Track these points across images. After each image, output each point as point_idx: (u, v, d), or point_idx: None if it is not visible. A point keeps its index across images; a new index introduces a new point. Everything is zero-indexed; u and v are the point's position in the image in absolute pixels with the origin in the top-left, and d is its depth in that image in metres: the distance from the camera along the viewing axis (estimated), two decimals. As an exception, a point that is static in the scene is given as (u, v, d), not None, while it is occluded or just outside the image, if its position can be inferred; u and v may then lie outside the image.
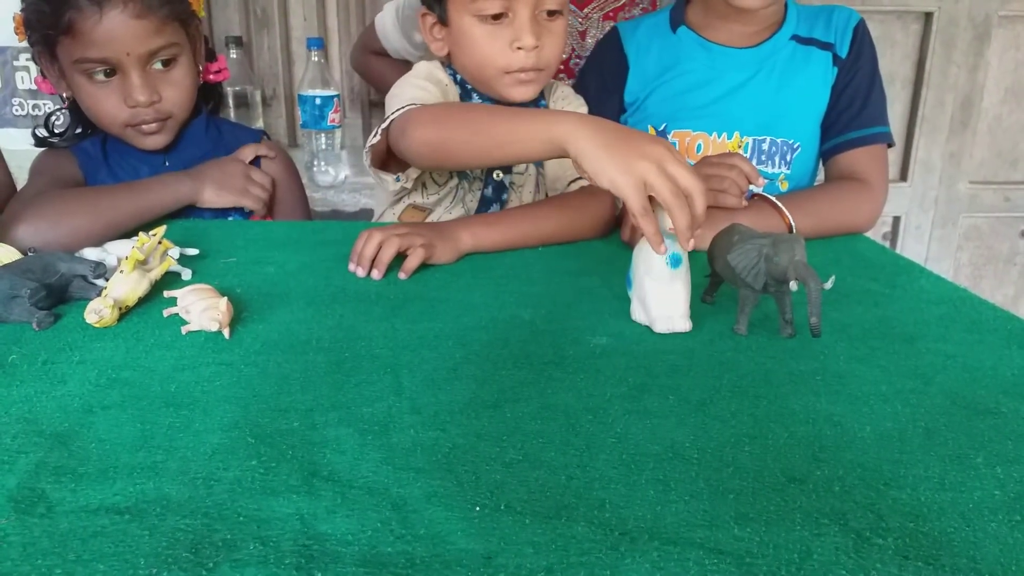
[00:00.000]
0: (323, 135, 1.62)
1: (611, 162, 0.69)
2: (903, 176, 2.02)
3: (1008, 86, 1.98)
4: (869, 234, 1.09)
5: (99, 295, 0.72)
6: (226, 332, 0.69)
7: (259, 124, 1.74)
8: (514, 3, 0.95)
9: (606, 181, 0.69)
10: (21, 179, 1.07)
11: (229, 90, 1.63)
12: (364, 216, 1.62)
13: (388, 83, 1.07)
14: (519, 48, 0.96)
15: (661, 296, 0.71)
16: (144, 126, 1.06)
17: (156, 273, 0.78)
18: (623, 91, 1.20)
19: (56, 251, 0.81)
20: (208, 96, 1.19)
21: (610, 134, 0.71)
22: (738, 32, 1.15)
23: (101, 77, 1.02)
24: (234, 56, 1.66)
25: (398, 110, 0.93)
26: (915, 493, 0.47)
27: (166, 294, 0.75)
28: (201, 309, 0.69)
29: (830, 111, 1.15)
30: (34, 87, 1.73)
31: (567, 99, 1.12)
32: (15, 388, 0.59)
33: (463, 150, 0.86)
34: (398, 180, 1.01)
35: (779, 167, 1.17)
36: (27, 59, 1.69)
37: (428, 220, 1.09)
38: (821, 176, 1.21)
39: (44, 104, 1.75)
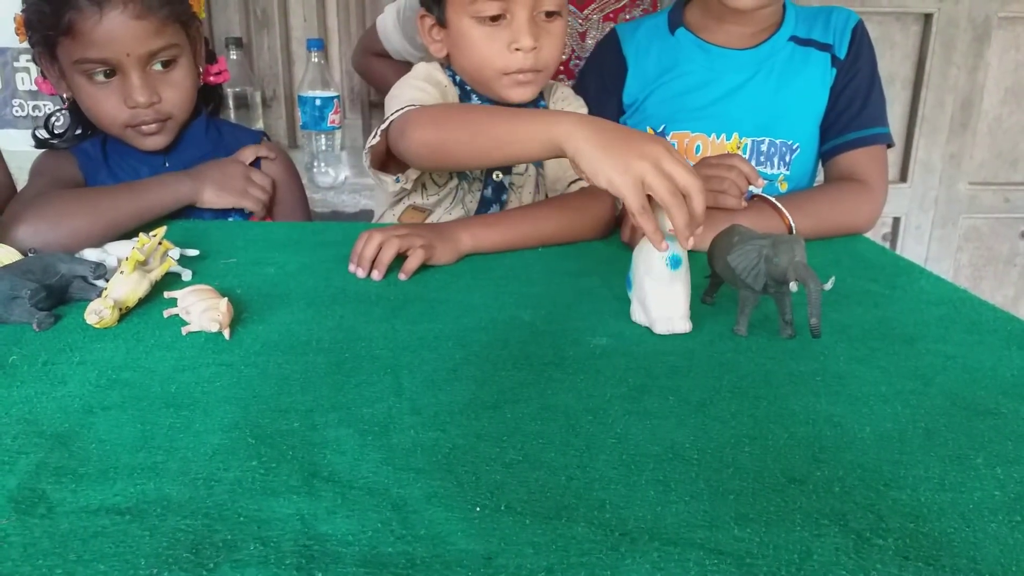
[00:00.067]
0: (323, 136, 1.62)
1: (608, 162, 0.69)
2: (903, 177, 2.02)
3: (1008, 87, 1.98)
4: (869, 235, 1.09)
5: (99, 296, 0.72)
6: (226, 333, 0.69)
7: (259, 125, 1.74)
8: (512, 4, 0.95)
9: (603, 181, 0.69)
10: (21, 180, 1.07)
11: (229, 91, 1.63)
12: (364, 217, 1.62)
13: (390, 84, 1.07)
14: (517, 49, 0.96)
15: (661, 297, 0.71)
16: (144, 127, 1.06)
17: (156, 274, 0.78)
18: (622, 92, 1.20)
19: (56, 252, 0.82)
20: (208, 98, 1.19)
21: (607, 134, 0.71)
22: (736, 33, 1.15)
23: (101, 78, 1.02)
24: (234, 57, 1.66)
25: (397, 111, 0.93)
26: (915, 494, 0.47)
27: (166, 295, 0.75)
28: (201, 310, 0.69)
29: (829, 112, 1.15)
30: (34, 88, 1.74)
31: (567, 100, 1.12)
32: (15, 389, 0.59)
33: (462, 151, 0.86)
34: (397, 181, 1.01)
35: (778, 168, 1.17)
36: (27, 60, 1.69)
37: (428, 221, 1.09)
38: (820, 177, 1.21)
39: (44, 105, 1.75)
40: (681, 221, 0.66)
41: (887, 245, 2.03)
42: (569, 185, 1.09)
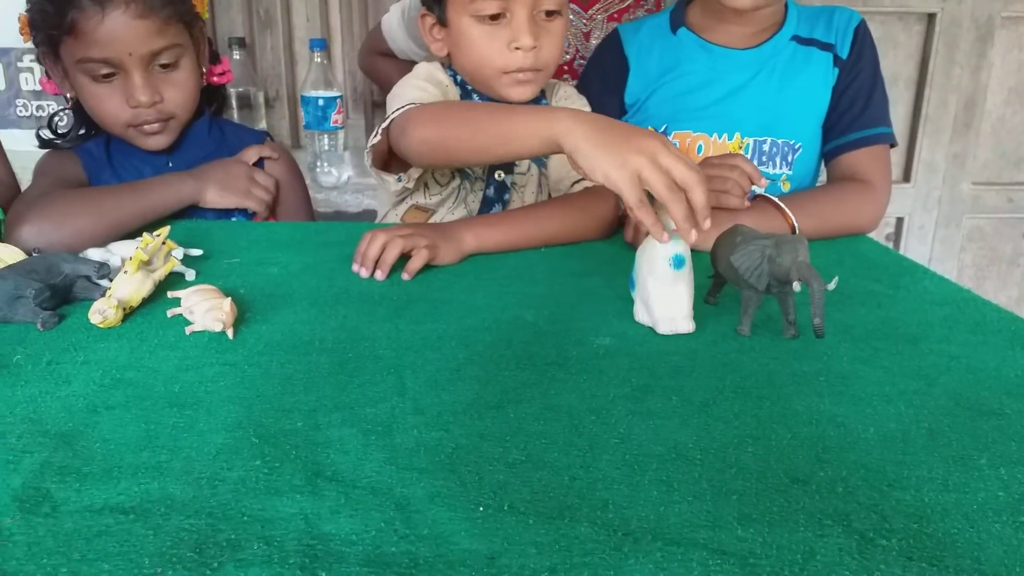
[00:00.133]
0: (326, 136, 1.62)
1: (604, 157, 0.69)
2: (906, 177, 2.02)
3: (1011, 87, 1.98)
4: (872, 235, 1.09)
5: (103, 296, 0.73)
6: (230, 333, 0.69)
7: (262, 125, 1.74)
8: (512, 3, 0.95)
9: (600, 176, 0.69)
10: (25, 180, 1.07)
11: (232, 91, 1.64)
12: (367, 217, 1.62)
13: (394, 84, 1.07)
14: (517, 48, 0.96)
15: (664, 297, 0.71)
16: (146, 126, 1.06)
17: (160, 274, 0.78)
18: (624, 92, 1.20)
19: (60, 252, 0.82)
20: (212, 98, 1.19)
21: (604, 130, 0.71)
22: (738, 33, 1.15)
23: (103, 77, 1.02)
24: (237, 57, 1.66)
25: (398, 110, 0.93)
26: (919, 494, 0.47)
27: (170, 294, 0.75)
28: (205, 310, 0.69)
29: (831, 112, 1.15)
30: (38, 88, 1.74)
31: (570, 99, 1.12)
32: (20, 388, 0.59)
33: (462, 147, 0.86)
34: (400, 180, 1.01)
35: (780, 168, 1.16)
36: (31, 60, 1.70)
37: (431, 221, 1.09)
38: (823, 177, 1.21)
39: (48, 105, 1.75)
40: (679, 214, 0.66)
41: (890, 245, 2.03)
42: (572, 185, 1.09)
